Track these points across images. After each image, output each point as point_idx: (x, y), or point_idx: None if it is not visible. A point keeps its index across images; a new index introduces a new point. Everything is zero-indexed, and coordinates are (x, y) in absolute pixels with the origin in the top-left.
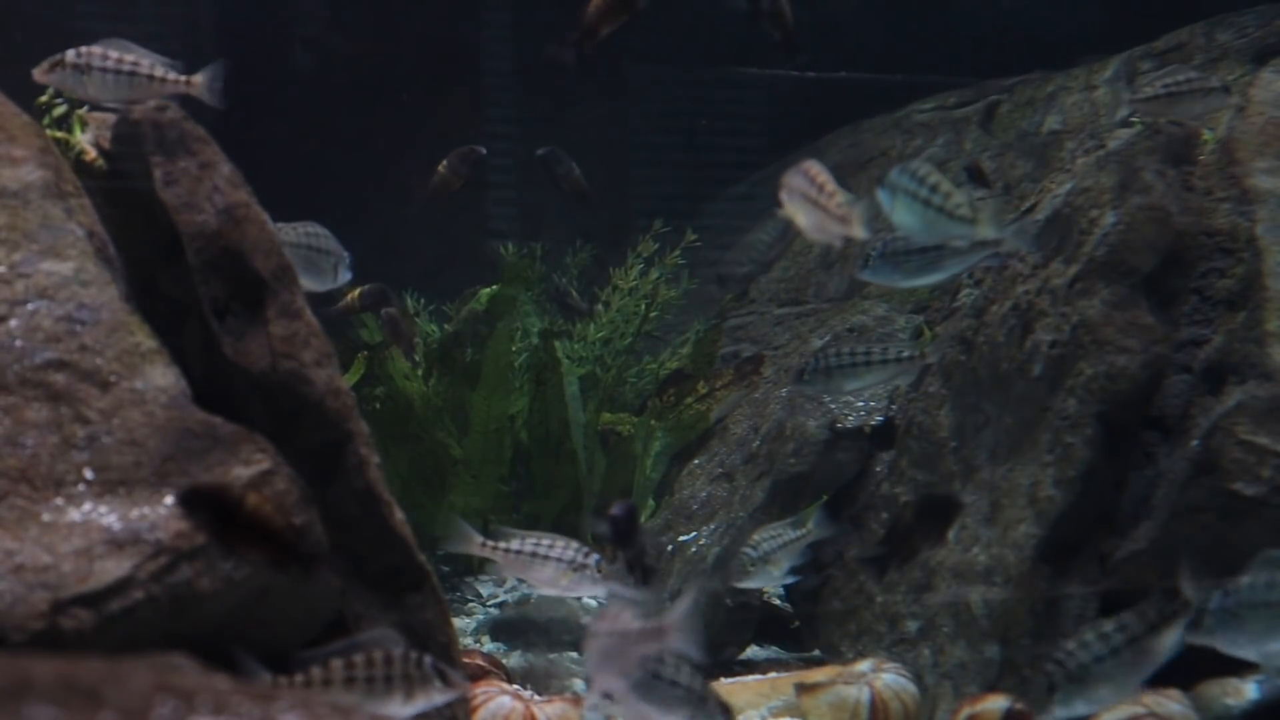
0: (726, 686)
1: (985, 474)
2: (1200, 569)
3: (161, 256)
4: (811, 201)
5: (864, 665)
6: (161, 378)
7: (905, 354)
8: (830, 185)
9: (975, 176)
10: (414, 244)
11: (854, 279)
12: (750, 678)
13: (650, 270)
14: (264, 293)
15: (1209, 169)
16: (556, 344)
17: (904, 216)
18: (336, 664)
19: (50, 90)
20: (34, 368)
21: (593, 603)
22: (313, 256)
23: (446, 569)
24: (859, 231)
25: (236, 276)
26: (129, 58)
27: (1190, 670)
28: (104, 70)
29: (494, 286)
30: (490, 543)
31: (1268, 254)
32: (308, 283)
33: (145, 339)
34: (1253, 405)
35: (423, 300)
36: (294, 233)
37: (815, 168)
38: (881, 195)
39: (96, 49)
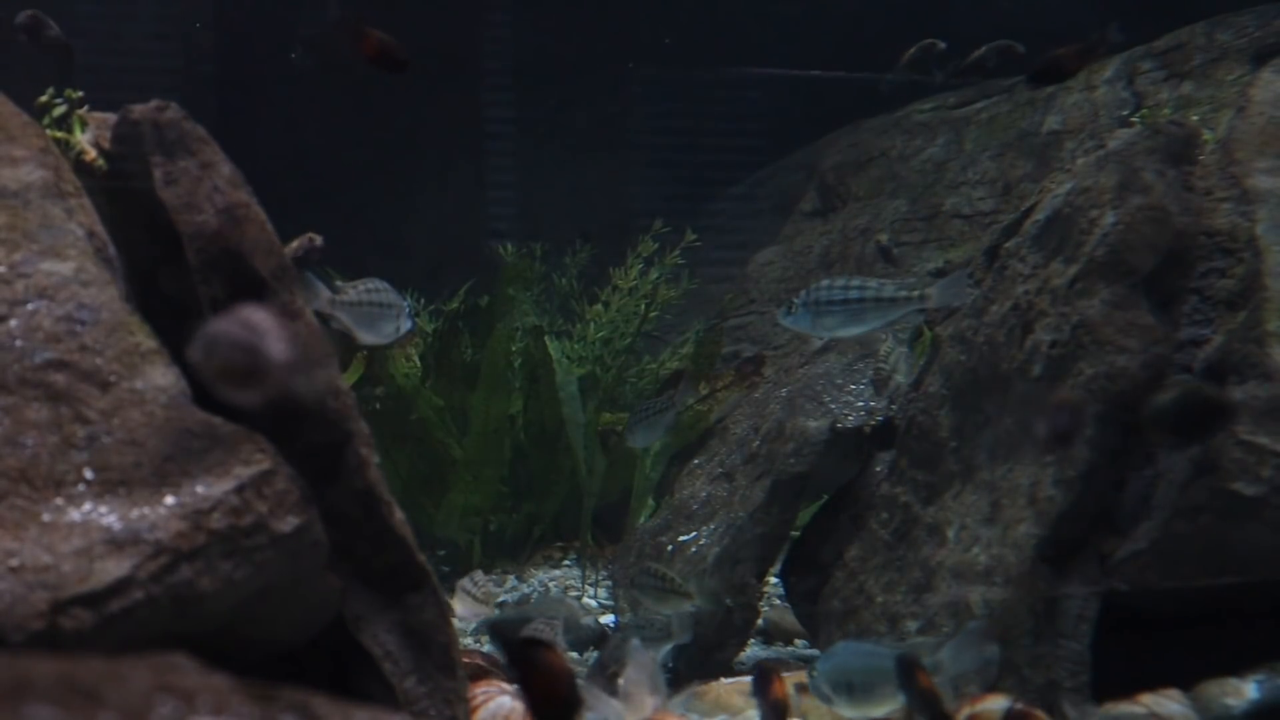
0: (726, 686)
1: (985, 474)
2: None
3: (161, 256)
4: None
5: None
6: (161, 378)
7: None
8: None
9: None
10: (414, 244)
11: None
12: (750, 678)
13: (650, 270)
14: (264, 293)
15: (1209, 169)
16: (555, 343)
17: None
18: None
19: (50, 90)
20: (34, 368)
21: (593, 603)
22: (374, 313)
23: (446, 569)
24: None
25: (236, 276)
26: None
27: (1190, 670)
28: None
29: (469, 284)
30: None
31: (1268, 254)
32: (369, 338)
33: (145, 339)
34: (1253, 405)
35: (423, 300)
36: (354, 292)
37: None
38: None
39: None
